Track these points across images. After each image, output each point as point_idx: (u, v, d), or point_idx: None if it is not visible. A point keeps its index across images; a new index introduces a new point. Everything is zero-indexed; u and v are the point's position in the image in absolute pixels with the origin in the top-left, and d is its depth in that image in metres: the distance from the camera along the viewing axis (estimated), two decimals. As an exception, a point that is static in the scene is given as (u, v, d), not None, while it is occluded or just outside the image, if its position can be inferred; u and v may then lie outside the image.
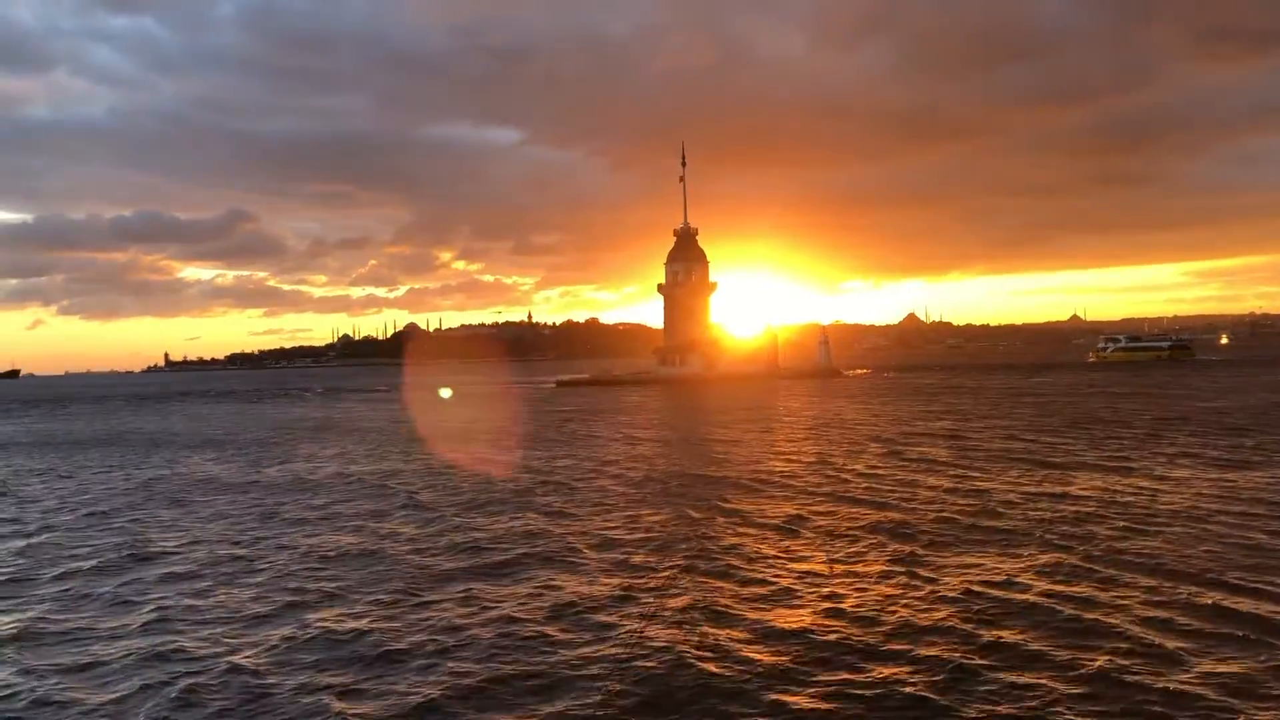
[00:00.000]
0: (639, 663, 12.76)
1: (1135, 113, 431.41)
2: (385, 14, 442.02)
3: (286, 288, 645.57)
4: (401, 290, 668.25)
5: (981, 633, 13.51)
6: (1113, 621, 13.74)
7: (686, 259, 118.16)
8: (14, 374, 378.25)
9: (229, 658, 13.51)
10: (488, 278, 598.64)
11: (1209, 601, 14.47)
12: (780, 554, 18.96)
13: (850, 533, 20.73)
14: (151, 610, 16.17)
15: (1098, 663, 12.11)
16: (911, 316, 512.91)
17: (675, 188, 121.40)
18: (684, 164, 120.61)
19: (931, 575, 16.73)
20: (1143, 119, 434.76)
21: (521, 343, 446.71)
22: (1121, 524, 20.34)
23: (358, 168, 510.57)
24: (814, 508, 23.92)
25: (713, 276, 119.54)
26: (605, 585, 16.79)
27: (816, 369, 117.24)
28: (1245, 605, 14.26)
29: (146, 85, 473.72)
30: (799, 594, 15.90)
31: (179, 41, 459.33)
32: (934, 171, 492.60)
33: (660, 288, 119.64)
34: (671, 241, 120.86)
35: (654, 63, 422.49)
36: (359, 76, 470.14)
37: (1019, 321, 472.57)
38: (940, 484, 26.97)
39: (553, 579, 17.42)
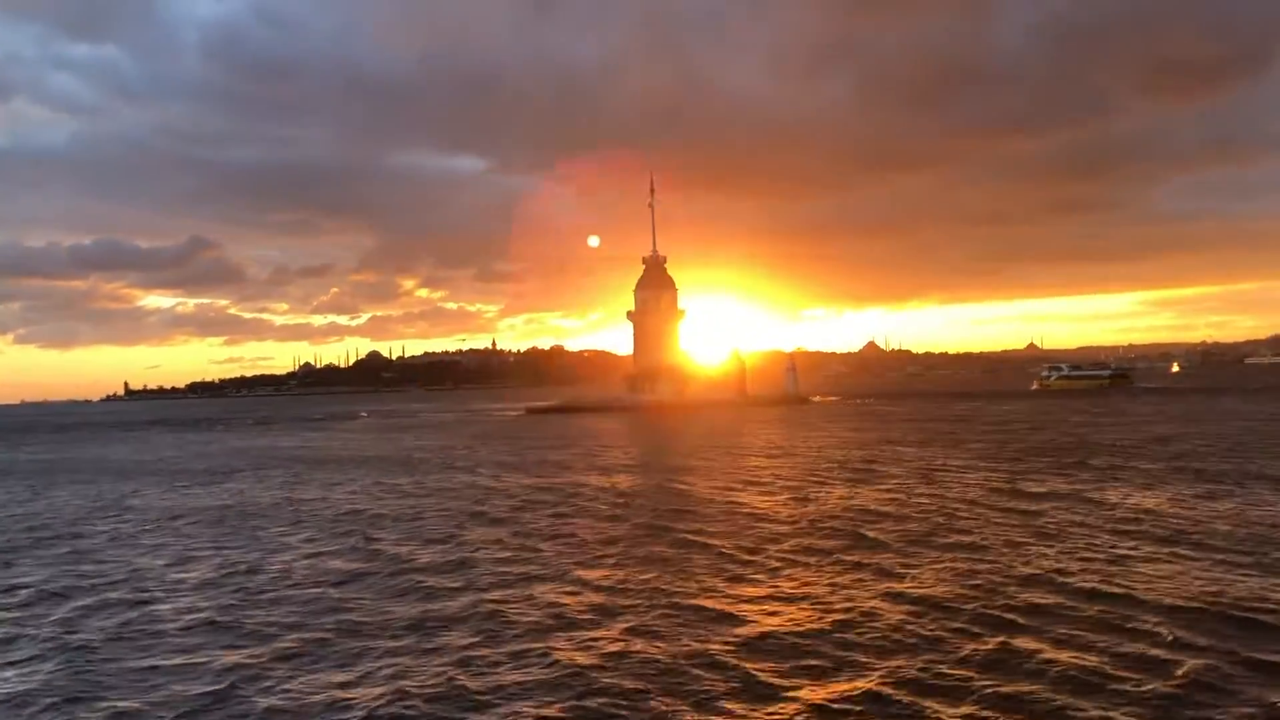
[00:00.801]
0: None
1: (1089, 143, 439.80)
2: (349, 42, 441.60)
3: (248, 316, 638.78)
4: (364, 318, 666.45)
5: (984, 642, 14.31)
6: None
7: (655, 286, 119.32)
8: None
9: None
10: (451, 305, 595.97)
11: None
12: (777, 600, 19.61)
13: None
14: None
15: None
16: (871, 344, 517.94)
17: (639, 215, 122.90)
18: (653, 192, 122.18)
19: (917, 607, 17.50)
20: (1096, 149, 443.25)
21: (486, 370, 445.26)
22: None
23: (321, 195, 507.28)
24: (829, 549, 24.56)
25: (680, 303, 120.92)
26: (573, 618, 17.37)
27: (784, 396, 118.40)
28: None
29: (108, 113, 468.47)
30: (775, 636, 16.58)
31: (142, 69, 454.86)
32: (891, 201, 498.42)
33: (629, 315, 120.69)
34: (640, 269, 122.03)
35: (616, 91, 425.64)
36: (322, 104, 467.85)
37: (977, 350, 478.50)
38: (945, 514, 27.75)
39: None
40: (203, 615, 17.47)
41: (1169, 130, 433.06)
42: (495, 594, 18.27)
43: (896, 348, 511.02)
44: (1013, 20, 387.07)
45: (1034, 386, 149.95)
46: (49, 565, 23.19)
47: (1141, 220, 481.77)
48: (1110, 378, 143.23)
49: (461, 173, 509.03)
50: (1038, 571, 18.36)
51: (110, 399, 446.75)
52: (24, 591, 20.19)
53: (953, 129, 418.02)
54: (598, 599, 17.58)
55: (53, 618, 17.83)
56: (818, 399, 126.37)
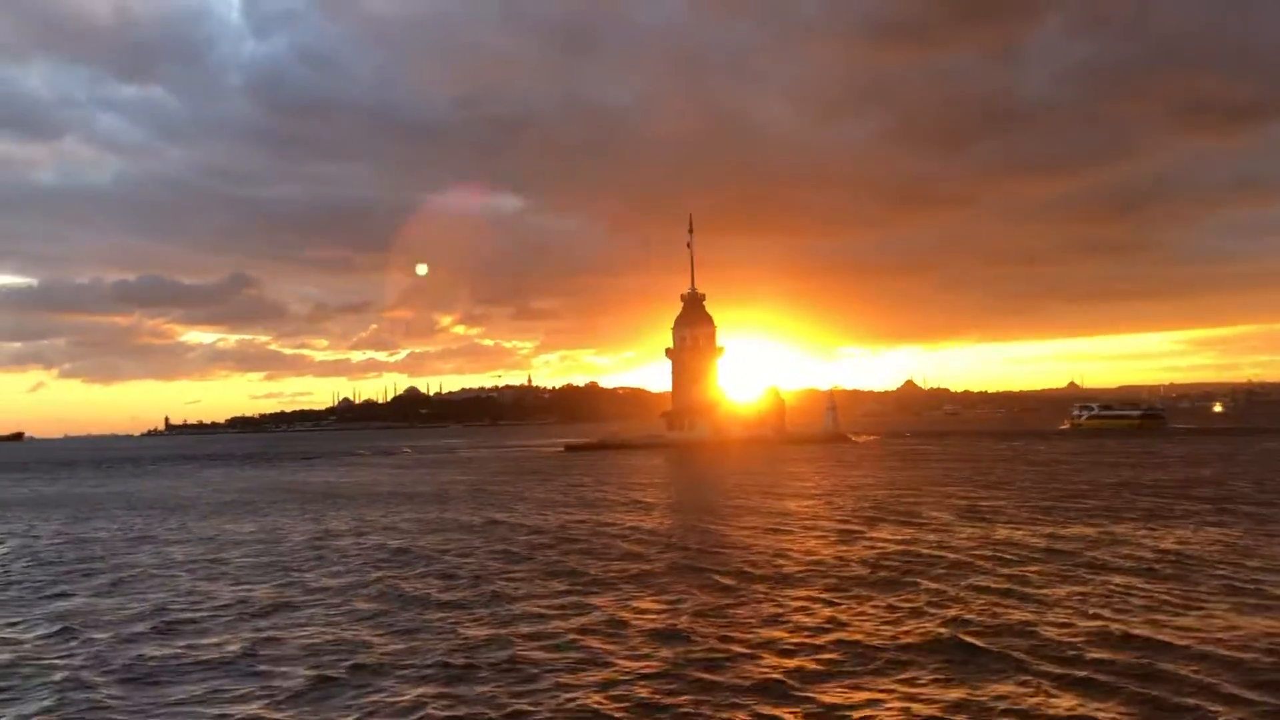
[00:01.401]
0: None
1: (1120, 183, 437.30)
2: (389, 84, 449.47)
3: (288, 351, 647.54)
4: (402, 354, 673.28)
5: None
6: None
7: (694, 323, 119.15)
8: (18, 437, 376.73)
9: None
10: (488, 342, 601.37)
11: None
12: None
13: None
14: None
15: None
16: (909, 383, 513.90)
17: (674, 253, 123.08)
18: (691, 231, 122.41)
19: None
20: (1128, 189, 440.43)
21: (522, 406, 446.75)
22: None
23: (360, 233, 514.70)
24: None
25: (718, 340, 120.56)
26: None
27: (824, 434, 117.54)
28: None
29: (154, 153, 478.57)
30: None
31: (187, 110, 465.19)
32: (926, 240, 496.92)
33: (668, 352, 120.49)
34: (678, 306, 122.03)
35: (650, 131, 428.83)
36: (362, 144, 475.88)
37: (1016, 389, 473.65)
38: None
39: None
40: (235, 648, 17.46)
41: (1196, 170, 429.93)
42: (525, 628, 18.13)
43: (934, 386, 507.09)
44: (1043, 60, 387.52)
45: (1065, 426, 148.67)
46: (90, 594, 23.28)
47: (1177, 260, 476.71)
48: (1141, 418, 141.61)
49: (499, 211, 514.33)
50: (1091, 623, 17.86)
51: (151, 434, 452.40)
52: (51, 620, 20.27)
53: (985, 168, 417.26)
54: (634, 643, 17.32)
55: (71, 648, 17.92)
56: (861, 438, 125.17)
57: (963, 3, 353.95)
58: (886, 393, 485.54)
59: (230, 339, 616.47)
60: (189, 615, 20.94)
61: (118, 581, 25.91)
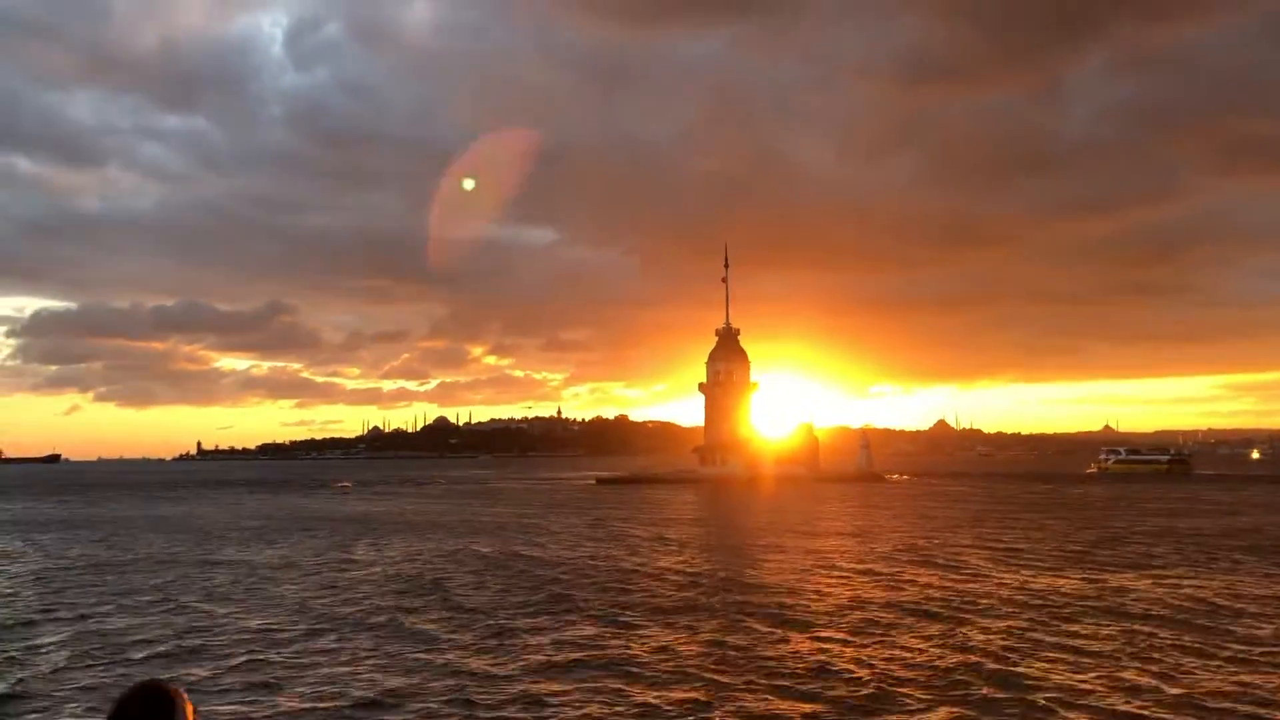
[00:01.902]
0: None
1: (1162, 224, 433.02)
2: (428, 116, 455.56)
3: (320, 379, 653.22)
4: (432, 384, 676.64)
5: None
6: None
7: (728, 358, 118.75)
8: (55, 458, 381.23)
9: None
10: (518, 373, 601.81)
11: None
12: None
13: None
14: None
15: None
16: (942, 422, 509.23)
17: (706, 287, 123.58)
18: (726, 265, 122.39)
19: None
20: (1170, 230, 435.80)
21: (551, 437, 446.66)
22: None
23: (396, 263, 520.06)
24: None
25: (752, 376, 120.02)
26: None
27: (858, 473, 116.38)
28: None
29: (195, 181, 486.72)
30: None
31: (228, 139, 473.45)
32: (964, 279, 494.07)
33: (701, 386, 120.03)
34: (711, 340, 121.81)
35: (687, 166, 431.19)
36: (400, 175, 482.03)
37: (1050, 430, 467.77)
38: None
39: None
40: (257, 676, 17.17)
41: (1240, 212, 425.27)
42: (531, 659, 17.73)
43: (967, 426, 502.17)
44: (1086, 99, 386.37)
45: (1091, 469, 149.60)
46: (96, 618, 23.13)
47: (1217, 303, 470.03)
48: (1169, 463, 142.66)
49: (532, 243, 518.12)
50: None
51: (183, 458, 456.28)
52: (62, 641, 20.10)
53: (1023, 207, 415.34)
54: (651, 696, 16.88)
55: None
56: (895, 477, 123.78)
57: (1005, 42, 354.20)
58: (919, 432, 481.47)
59: (263, 365, 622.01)
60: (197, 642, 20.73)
61: (128, 604, 25.78)
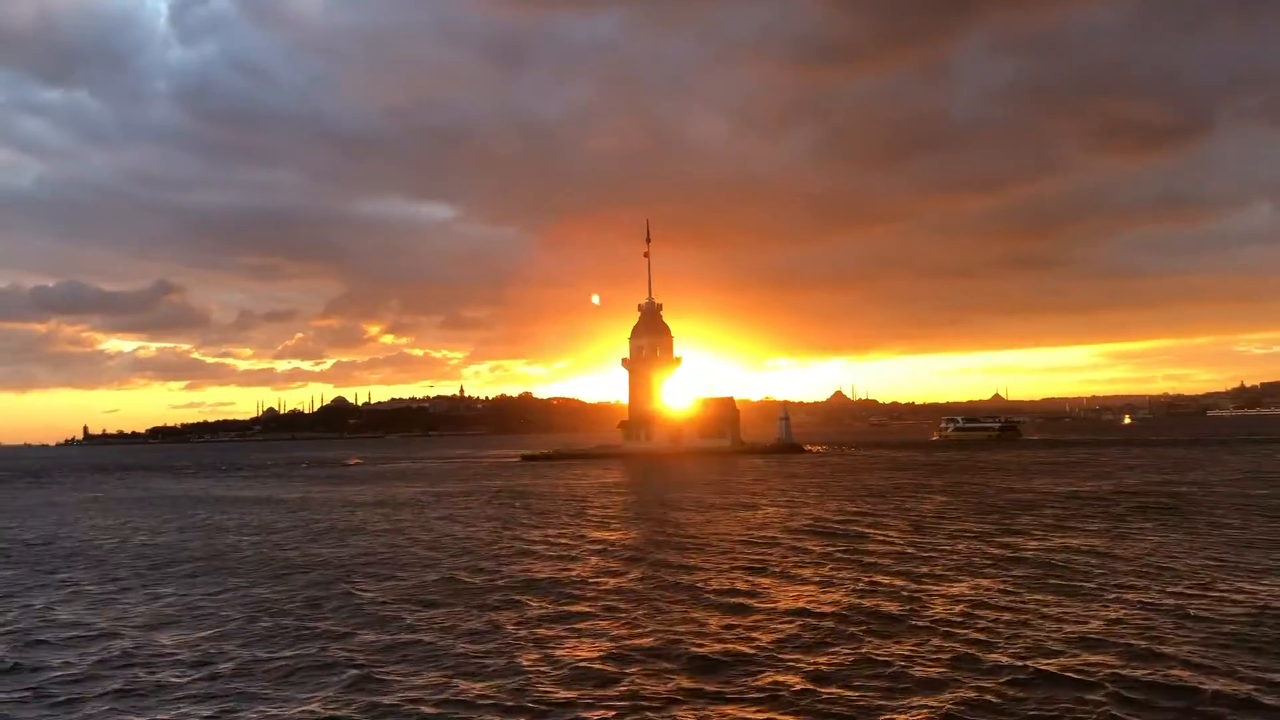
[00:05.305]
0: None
1: (1042, 199, 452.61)
2: (319, 94, 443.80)
3: (210, 360, 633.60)
4: (328, 364, 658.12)
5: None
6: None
7: (652, 333, 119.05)
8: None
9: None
10: (417, 351, 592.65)
11: None
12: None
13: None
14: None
15: None
16: (839, 394, 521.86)
17: (607, 264, 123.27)
18: (648, 240, 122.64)
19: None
20: (1049, 207, 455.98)
21: (453, 416, 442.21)
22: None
23: (288, 241, 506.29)
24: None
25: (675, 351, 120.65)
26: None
27: (779, 444, 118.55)
28: None
29: (77, 157, 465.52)
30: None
31: (112, 114, 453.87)
32: (857, 254, 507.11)
33: (625, 361, 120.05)
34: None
35: (583, 145, 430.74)
36: (292, 152, 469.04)
37: (943, 400, 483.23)
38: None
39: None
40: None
41: (1114, 189, 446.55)
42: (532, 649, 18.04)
43: (863, 397, 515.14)
44: (968, 80, 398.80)
45: (934, 437, 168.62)
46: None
47: (1094, 275, 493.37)
48: (1000, 430, 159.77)
49: (429, 221, 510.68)
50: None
51: (69, 443, 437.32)
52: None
53: (913, 185, 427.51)
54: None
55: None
56: (812, 448, 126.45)
57: (894, 24, 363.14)
58: (816, 403, 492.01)
59: (151, 347, 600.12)
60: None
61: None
